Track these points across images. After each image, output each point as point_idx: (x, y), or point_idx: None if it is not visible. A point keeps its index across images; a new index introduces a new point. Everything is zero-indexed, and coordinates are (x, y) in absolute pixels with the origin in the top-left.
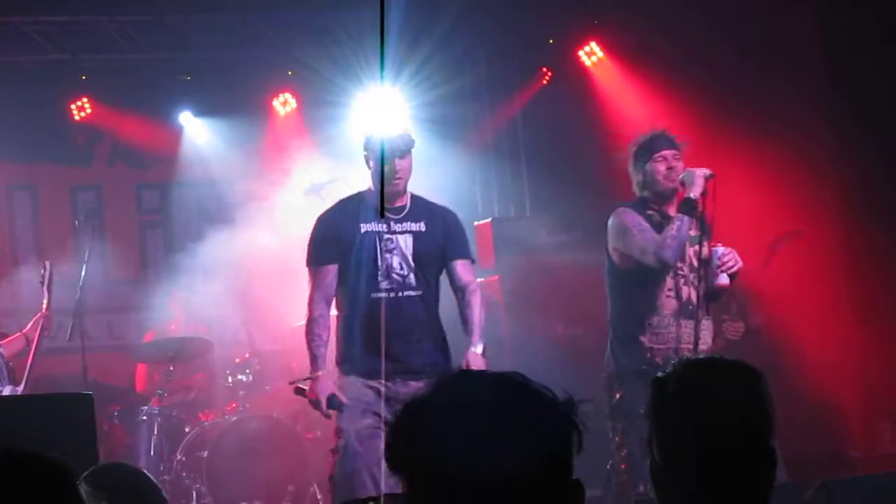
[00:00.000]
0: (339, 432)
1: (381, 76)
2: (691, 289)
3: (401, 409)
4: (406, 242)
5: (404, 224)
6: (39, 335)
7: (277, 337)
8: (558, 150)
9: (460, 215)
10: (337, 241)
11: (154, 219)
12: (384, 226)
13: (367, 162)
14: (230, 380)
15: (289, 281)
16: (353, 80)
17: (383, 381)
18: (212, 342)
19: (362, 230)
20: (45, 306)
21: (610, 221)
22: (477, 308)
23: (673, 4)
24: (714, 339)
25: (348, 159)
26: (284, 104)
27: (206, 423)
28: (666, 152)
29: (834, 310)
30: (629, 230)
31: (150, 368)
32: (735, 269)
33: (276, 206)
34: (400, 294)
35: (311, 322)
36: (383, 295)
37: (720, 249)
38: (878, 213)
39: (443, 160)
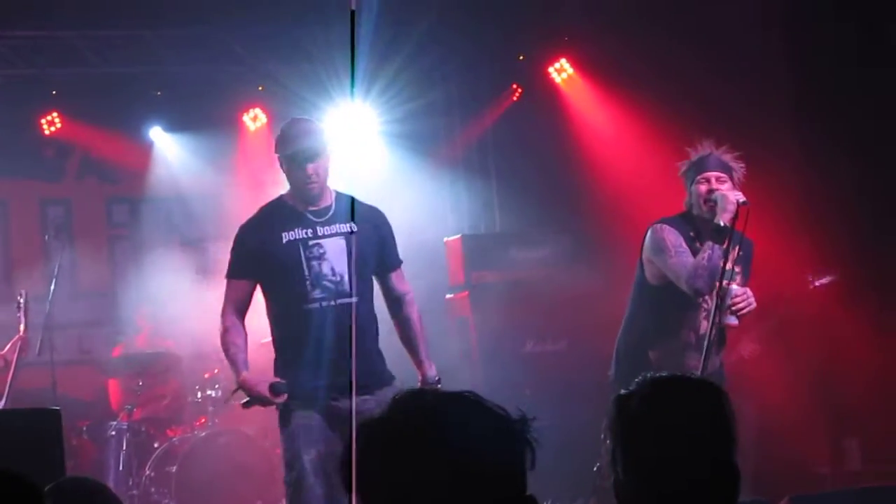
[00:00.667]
0: (289, 465)
1: (352, 92)
2: (708, 323)
3: (356, 429)
4: (336, 246)
5: (332, 226)
6: (17, 356)
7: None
8: (528, 165)
9: (430, 231)
10: (257, 254)
11: (124, 233)
12: (308, 231)
13: (281, 165)
14: (199, 395)
15: (256, 296)
16: (324, 96)
17: (327, 400)
18: (180, 357)
19: (283, 240)
20: (22, 330)
21: (648, 235)
22: (420, 325)
23: (643, 22)
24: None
25: None
26: (255, 119)
27: (174, 439)
28: (710, 174)
29: (802, 324)
30: (667, 250)
31: (120, 383)
32: (747, 311)
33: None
34: (334, 303)
35: (224, 333)
36: (315, 306)
37: (734, 288)
38: (846, 230)
39: (413, 176)
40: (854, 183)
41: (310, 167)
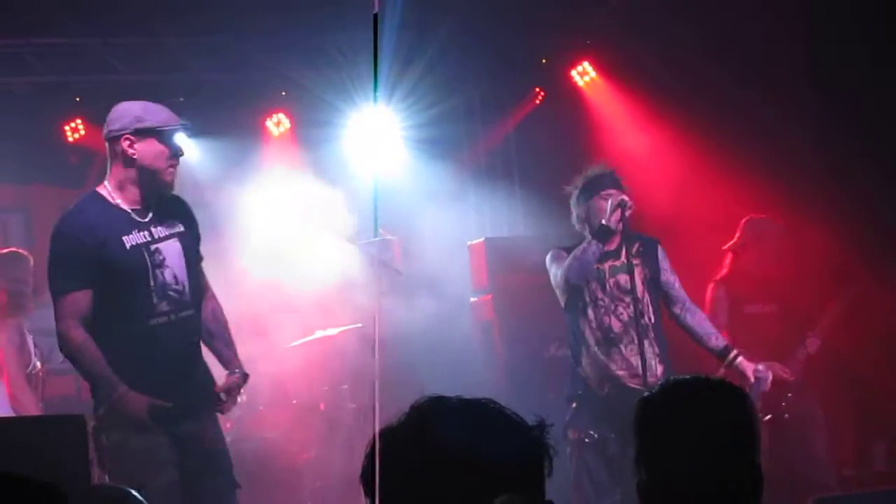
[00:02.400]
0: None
1: (374, 97)
2: (612, 318)
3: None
4: (173, 249)
5: (165, 226)
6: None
7: (271, 357)
8: (551, 169)
9: (454, 236)
10: (93, 260)
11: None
12: (146, 234)
13: (121, 145)
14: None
15: (283, 302)
16: (347, 101)
17: (171, 426)
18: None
19: (127, 245)
20: (39, 367)
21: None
22: (226, 320)
23: (666, 25)
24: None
25: (342, 179)
26: (278, 124)
27: None
28: (612, 191)
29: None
30: (550, 267)
31: None
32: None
33: (270, 227)
34: (179, 315)
35: (77, 350)
36: (163, 320)
37: (761, 374)
38: (871, 238)
39: (436, 180)
40: (878, 190)
41: (175, 147)
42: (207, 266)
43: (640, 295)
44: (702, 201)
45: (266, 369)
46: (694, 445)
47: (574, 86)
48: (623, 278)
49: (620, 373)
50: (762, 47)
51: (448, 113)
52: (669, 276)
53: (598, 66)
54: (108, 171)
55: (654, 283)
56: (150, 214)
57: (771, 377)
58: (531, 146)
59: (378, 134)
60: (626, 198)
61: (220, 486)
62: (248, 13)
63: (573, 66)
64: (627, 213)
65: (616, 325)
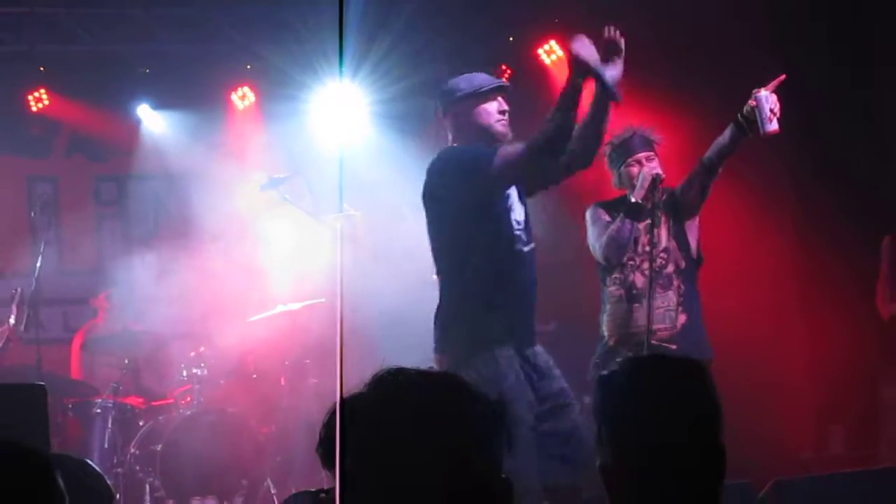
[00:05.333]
0: None
1: (340, 71)
2: (636, 274)
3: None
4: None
5: None
6: (3, 345)
7: (233, 331)
8: None
9: (418, 213)
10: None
11: (111, 210)
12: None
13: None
14: (185, 373)
15: (244, 275)
16: (312, 75)
17: None
18: (166, 335)
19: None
20: (11, 323)
21: (586, 219)
22: None
23: (634, 4)
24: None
25: (306, 154)
26: (243, 98)
27: (160, 417)
28: (639, 155)
29: (788, 313)
30: (590, 226)
31: (106, 361)
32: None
33: (233, 199)
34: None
35: None
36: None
37: (764, 94)
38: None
39: (401, 155)
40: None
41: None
42: (168, 240)
43: (665, 244)
44: (673, 174)
45: (227, 343)
46: (655, 426)
47: (541, 64)
48: (654, 233)
49: (639, 328)
50: (732, 26)
51: (414, 88)
52: (682, 183)
53: (564, 45)
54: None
55: (679, 227)
56: None
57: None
58: None
59: (344, 108)
60: (659, 171)
61: None
62: None
63: (540, 44)
64: (659, 185)
65: (639, 281)
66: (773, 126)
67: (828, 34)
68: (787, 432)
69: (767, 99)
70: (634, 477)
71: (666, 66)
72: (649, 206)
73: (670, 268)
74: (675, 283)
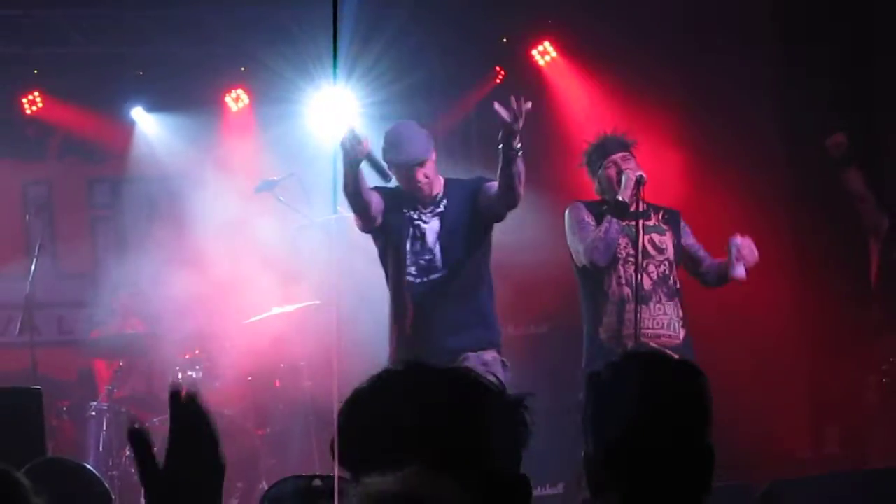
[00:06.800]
0: None
1: (334, 74)
2: (643, 274)
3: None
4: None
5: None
6: None
7: (228, 334)
8: None
9: None
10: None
11: (106, 213)
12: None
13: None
14: (180, 376)
15: (239, 278)
16: (306, 78)
17: None
18: (161, 338)
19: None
20: None
21: (565, 217)
22: None
23: (627, 4)
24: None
25: (300, 156)
26: (237, 100)
27: (155, 420)
28: (614, 156)
29: (784, 313)
30: (571, 227)
31: (101, 364)
32: (752, 262)
33: (228, 202)
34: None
35: None
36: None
37: (737, 240)
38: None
39: None
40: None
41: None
42: (164, 242)
43: (671, 257)
44: (663, 182)
45: (222, 346)
46: (642, 421)
47: (535, 65)
48: (657, 238)
49: (646, 331)
50: (726, 25)
51: (408, 91)
52: (693, 241)
53: (558, 46)
54: None
55: (677, 249)
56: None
57: (749, 245)
58: (491, 125)
59: (337, 110)
60: (642, 173)
61: None
62: None
63: (534, 45)
64: (643, 186)
65: (647, 283)
66: (739, 272)
67: (827, 32)
68: (784, 433)
69: (734, 244)
70: (616, 471)
71: (660, 65)
72: (633, 208)
73: (672, 282)
74: (677, 298)
